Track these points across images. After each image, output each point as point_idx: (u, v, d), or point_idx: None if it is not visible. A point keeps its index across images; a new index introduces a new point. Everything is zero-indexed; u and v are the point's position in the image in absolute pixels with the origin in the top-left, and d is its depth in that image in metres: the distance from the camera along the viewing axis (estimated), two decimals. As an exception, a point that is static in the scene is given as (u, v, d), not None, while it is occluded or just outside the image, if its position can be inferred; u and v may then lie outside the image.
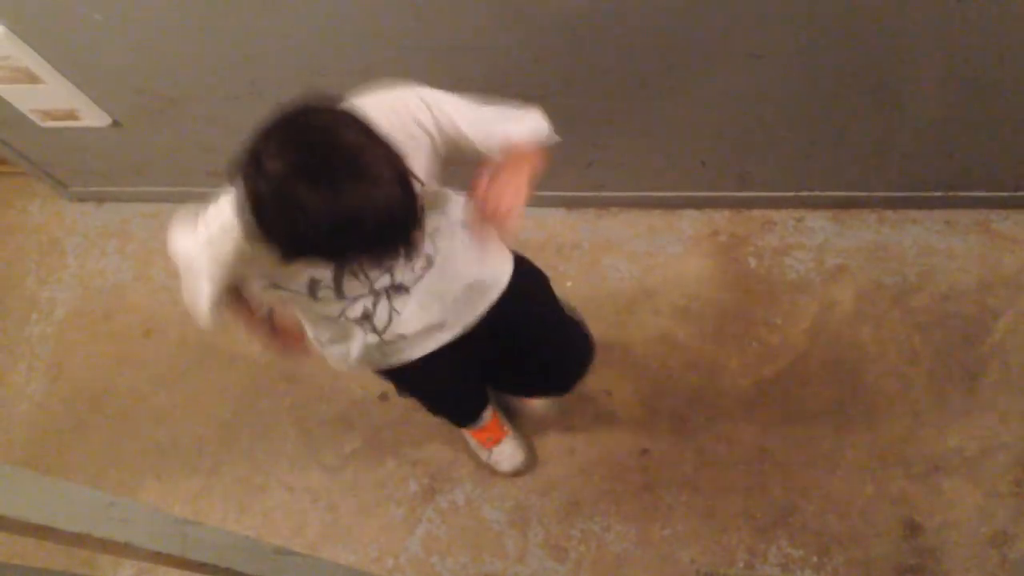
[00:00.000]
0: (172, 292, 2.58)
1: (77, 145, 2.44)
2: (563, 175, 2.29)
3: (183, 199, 2.65)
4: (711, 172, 2.24)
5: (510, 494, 2.15)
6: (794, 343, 2.20)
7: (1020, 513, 1.96)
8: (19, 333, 2.63)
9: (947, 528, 1.97)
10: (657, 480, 2.11)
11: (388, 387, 2.32)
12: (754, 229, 2.35)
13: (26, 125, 2.31)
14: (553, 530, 2.10)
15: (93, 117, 2.23)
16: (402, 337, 1.48)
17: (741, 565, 2.01)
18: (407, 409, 2.29)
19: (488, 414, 2.05)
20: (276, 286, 1.34)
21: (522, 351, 1.73)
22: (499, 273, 1.54)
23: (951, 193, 2.22)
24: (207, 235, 1.27)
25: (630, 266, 2.36)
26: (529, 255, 1.66)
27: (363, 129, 1.01)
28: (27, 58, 1.98)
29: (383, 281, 1.37)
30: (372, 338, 1.47)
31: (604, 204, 2.43)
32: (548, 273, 1.70)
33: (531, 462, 2.15)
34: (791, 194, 2.30)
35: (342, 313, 1.41)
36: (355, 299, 1.38)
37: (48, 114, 2.25)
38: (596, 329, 2.09)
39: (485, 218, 1.27)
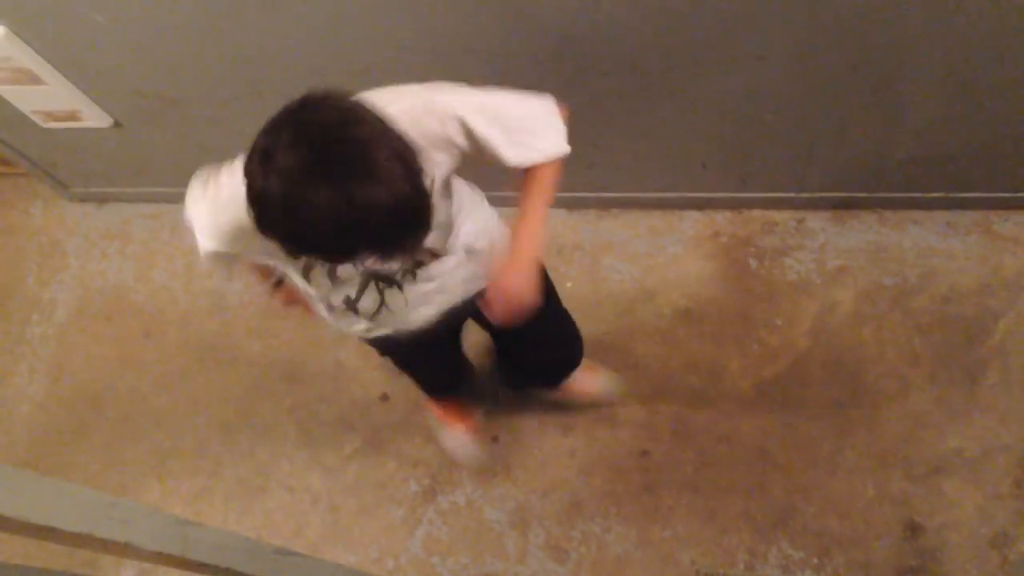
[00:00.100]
0: (173, 293, 2.59)
1: (78, 146, 2.44)
2: (564, 176, 2.28)
3: (184, 200, 2.67)
4: (712, 173, 2.24)
5: (511, 495, 2.15)
6: (794, 344, 2.20)
7: (1020, 514, 1.96)
8: (20, 334, 2.63)
9: (947, 529, 1.97)
10: (657, 481, 2.11)
11: (389, 388, 2.33)
12: (755, 230, 2.35)
13: (27, 126, 2.31)
14: (554, 531, 2.10)
15: (94, 118, 2.23)
16: (389, 318, 1.49)
17: (741, 566, 2.01)
18: (408, 410, 2.29)
19: (457, 396, 2.09)
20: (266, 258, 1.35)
21: (517, 338, 1.73)
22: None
23: (952, 194, 2.22)
24: (214, 197, 1.27)
25: (631, 267, 2.36)
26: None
27: (375, 124, 0.98)
28: (28, 59, 1.99)
29: (379, 271, 1.37)
30: (359, 323, 1.49)
31: (605, 205, 2.43)
32: (549, 274, 1.70)
33: (477, 463, 2.18)
34: (792, 195, 2.30)
35: (326, 297, 1.41)
36: (343, 284, 1.38)
37: (49, 115, 2.25)
38: (596, 330, 2.10)
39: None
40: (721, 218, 2.37)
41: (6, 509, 0.71)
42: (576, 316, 1.86)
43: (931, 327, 2.17)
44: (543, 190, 1.34)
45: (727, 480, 2.09)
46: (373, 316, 1.46)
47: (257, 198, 0.98)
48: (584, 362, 2.00)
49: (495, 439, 2.22)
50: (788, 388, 2.16)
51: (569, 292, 2.26)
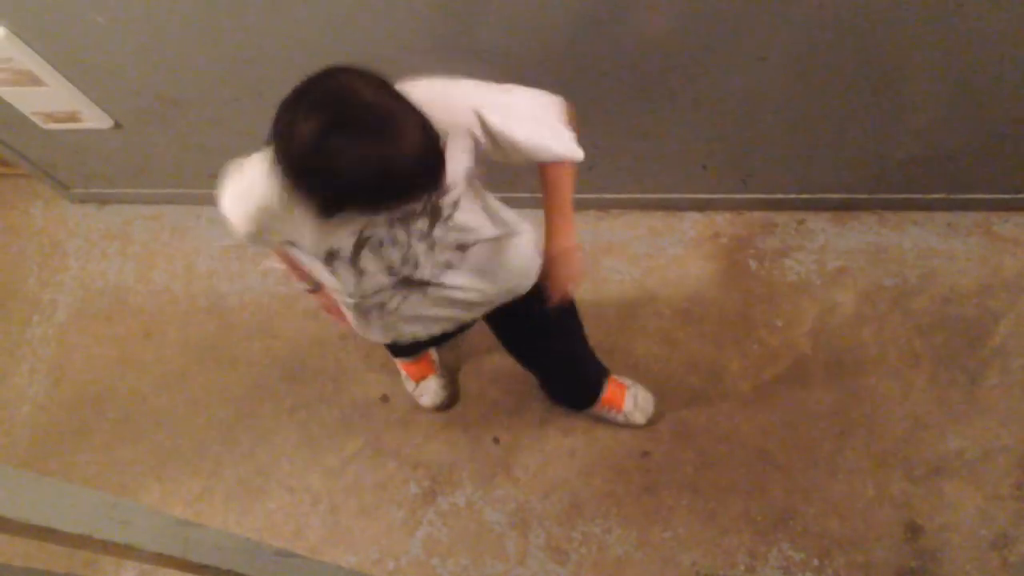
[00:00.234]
0: (173, 293, 2.59)
1: (79, 147, 2.44)
2: (564, 177, 2.29)
3: (185, 201, 2.68)
4: (712, 174, 2.24)
5: (511, 496, 2.15)
6: (795, 345, 2.20)
7: (1021, 516, 1.96)
8: (21, 335, 2.64)
9: (948, 531, 1.97)
10: (658, 482, 2.11)
11: (389, 389, 2.33)
12: (755, 231, 2.35)
13: (28, 127, 2.31)
14: (554, 532, 2.10)
15: (95, 119, 2.23)
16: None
17: (742, 568, 2.01)
18: (408, 411, 2.29)
19: (423, 352, 2.15)
20: (289, 244, 1.37)
21: (541, 368, 1.92)
22: (526, 282, 1.58)
23: (952, 195, 2.22)
24: (239, 184, 1.31)
25: (631, 268, 2.36)
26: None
27: (387, 88, 1.07)
28: (29, 60, 1.99)
29: (404, 270, 1.38)
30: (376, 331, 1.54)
31: (605, 206, 2.43)
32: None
33: (452, 402, 2.26)
34: (792, 196, 2.30)
35: (352, 294, 1.43)
36: (366, 277, 1.39)
37: (50, 116, 2.25)
38: (597, 331, 2.10)
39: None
40: (721, 219, 2.38)
41: (6, 510, 0.71)
42: (576, 317, 1.86)
43: (931, 328, 2.17)
44: (565, 192, 1.45)
45: (727, 481, 2.09)
46: (393, 312, 1.48)
47: (288, 158, 1.05)
48: (620, 379, 2.14)
49: (496, 440, 2.22)
50: (788, 389, 2.16)
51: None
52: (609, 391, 2.09)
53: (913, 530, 1.99)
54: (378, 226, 1.28)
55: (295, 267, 1.52)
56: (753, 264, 2.31)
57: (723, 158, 2.17)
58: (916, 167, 2.12)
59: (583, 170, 2.30)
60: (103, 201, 2.77)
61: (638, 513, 2.09)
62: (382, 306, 1.47)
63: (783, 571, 1.99)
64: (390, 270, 1.37)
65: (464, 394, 2.28)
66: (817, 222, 2.33)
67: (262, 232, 1.34)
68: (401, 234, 1.31)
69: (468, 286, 1.47)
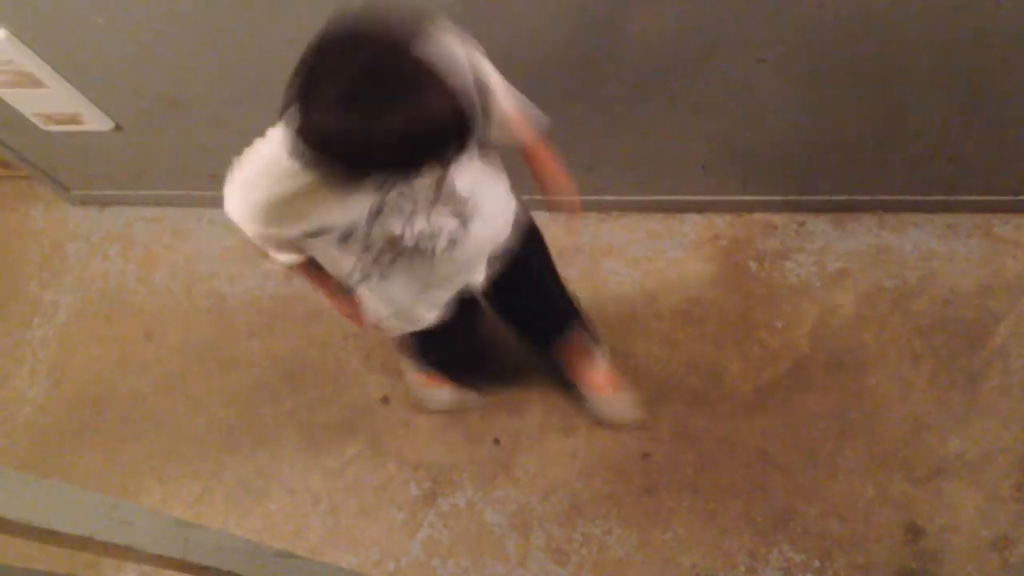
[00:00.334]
0: (174, 295, 2.59)
1: (80, 149, 2.44)
2: (564, 179, 2.30)
3: (186, 203, 2.69)
4: (712, 176, 2.24)
5: (511, 497, 2.15)
6: (795, 347, 2.20)
7: (1021, 517, 1.96)
8: (21, 336, 2.64)
9: (948, 532, 1.97)
10: (658, 483, 2.11)
11: (390, 390, 2.33)
12: (755, 233, 2.35)
13: (28, 129, 2.31)
14: (554, 534, 2.10)
15: (95, 121, 2.23)
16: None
17: (742, 569, 2.01)
18: (409, 413, 2.29)
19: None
20: (309, 234, 1.31)
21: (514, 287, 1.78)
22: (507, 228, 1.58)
23: (952, 197, 2.22)
24: (240, 181, 1.26)
25: (631, 270, 2.36)
26: (530, 259, 1.67)
27: (409, 42, 1.01)
28: (29, 62, 1.99)
29: (415, 224, 1.36)
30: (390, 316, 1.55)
31: (605, 208, 2.43)
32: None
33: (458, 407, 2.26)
34: (792, 198, 2.30)
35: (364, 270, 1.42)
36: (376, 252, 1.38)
37: (50, 118, 2.26)
38: (597, 332, 2.09)
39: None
40: (721, 221, 2.38)
41: (7, 511, 0.71)
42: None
43: (932, 330, 2.17)
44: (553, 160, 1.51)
45: (727, 482, 2.09)
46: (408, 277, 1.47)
47: (313, 122, 1.00)
48: (608, 370, 2.13)
49: (496, 441, 2.22)
50: (788, 390, 2.16)
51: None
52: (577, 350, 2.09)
53: (913, 531, 1.99)
54: (393, 188, 1.25)
55: (321, 282, 1.52)
56: (753, 266, 2.31)
57: (723, 160, 2.18)
58: (916, 168, 2.12)
59: (583, 172, 2.31)
60: (104, 203, 2.77)
61: (638, 514, 2.09)
62: (399, 273, 1.45)
63: (783, 572, 1.99)
64: (403, 226, 1.35)
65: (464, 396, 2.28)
66: (817, 224, 2.33)
67: (271, 224, 1.28)
68: (408, 191, 1.29)
69: (465, 238, 1.46)
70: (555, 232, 2.39)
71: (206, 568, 0.94)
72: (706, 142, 2.10)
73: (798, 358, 2.19)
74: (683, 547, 2.04)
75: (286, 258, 1.42)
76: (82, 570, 2.24)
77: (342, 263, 1.41)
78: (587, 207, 2.42)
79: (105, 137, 2.32)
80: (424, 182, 1.28)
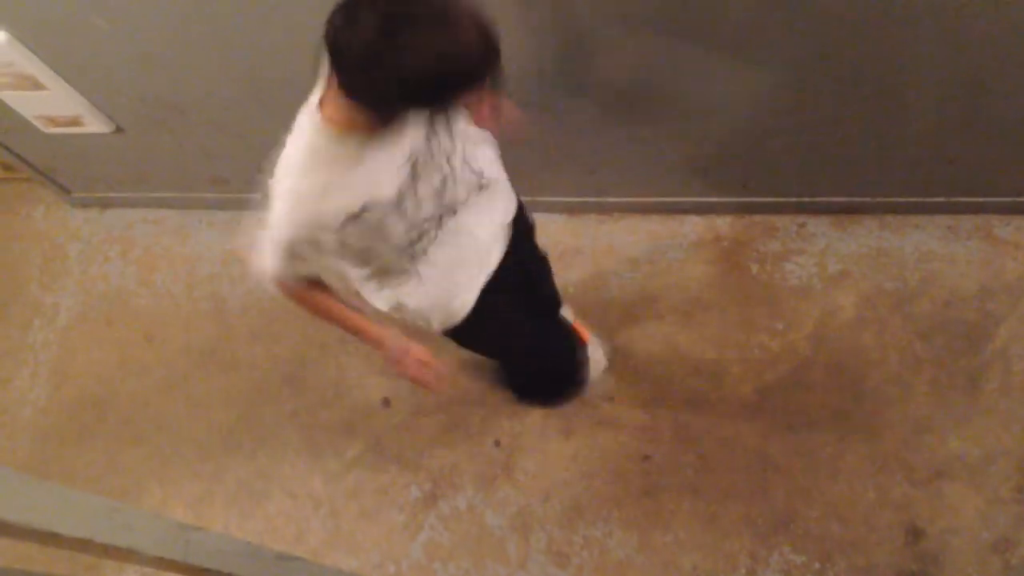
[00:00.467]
0: (175, 297, 2.59)
1: (81, 151, 2.45)
2: (565, 181, 2.30)
3: (186, 205, 2.69)
4: (713, 178, 2.24)
5: (512, 499, 2.15)
6: (796, 349, 2.20)
7: (1022, 519, 1.96)
8: (23, 339, 2.64)
9: (949, 534, 1.97)
10: (659, 486, 2.11)
11: (391, 393, 2.33)
12: (756, 235, 2.35)
13: (30, 131, 2.32)
14: (555, 536, 2.10)
15: (97, 123, 2.23)
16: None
17: (743, 571, 2.01)
18: (409, 415, 2.29)
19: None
20: (355, 216, 1.30)
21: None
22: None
23: (953, 199, 2.22)
24: (289, 184, 1.26)
25: (632, 271, 2.36)
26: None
27: None
28: (31, 65, 1.99)
29: (446, 195, 1.41)
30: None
31: (606, 210, 2.43)
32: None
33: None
34: (793, 199, 2.30)
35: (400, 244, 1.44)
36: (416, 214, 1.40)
37: (52, 120, 2.26)
38: (598, 334, 2.09)
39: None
40: (722, 222, 2.38)
41: (8, 514, 0.72)
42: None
43: (932, 331, 2.17)
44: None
45: (728, 484, 2.09)
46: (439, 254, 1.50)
47: (352, 53, 1.07)
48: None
49: (497, 443, 2.22)
50: (789, 392, 2.16)
51: (571, 296, 2.27)
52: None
53: (914, 533, 1.98)
54: (422, 153, 1.31)
55: (336, 307, 1.56)
56: (754, 267, 2.31)
57: (724, 162, 2.18)
58: (917, 170, 2.12)
59: (584, 174, 2.32)
60: (105, 205, 2.78)
61: (639, 516, 2.09)
62: (443, 247, 1.49)
63: (784, 574, 1.99)
64: (436, 196, 1.39)
65: (465, 397, 2.28)
66: (818, 225, 2.33)
67: (321, 214, 1.27)
68: (438, 149, 1.35)
69: (485, 220, 1.54)
70: (556, 233, 2.41)
71: (207, 570, 0.94)
72: (707, 144, 2.10)
73: (799, 360, 2.19)
74: (684, 549, 2.04)
75: (300, 275, 1.45)
76: (83, 572, 2.24)
77: (384, 250, 1.43)
78: (588, 209, 2.43)
79: (106, 139, 2.32)
80: (446, 145, 1.35)
